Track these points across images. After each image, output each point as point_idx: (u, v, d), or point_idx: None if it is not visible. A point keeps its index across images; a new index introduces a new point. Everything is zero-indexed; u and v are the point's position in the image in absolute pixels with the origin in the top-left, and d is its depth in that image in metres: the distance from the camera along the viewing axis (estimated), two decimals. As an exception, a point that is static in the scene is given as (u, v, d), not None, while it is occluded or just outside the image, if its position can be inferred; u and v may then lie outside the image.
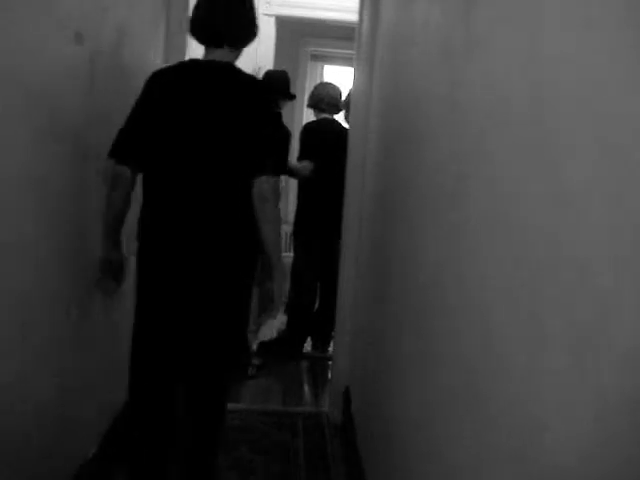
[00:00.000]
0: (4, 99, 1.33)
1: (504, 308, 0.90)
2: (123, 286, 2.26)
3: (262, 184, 1.88)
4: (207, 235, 1.95)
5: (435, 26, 1.50)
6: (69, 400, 1.87)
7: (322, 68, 6.68)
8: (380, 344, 1.99)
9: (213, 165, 1.91)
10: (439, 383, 1.22)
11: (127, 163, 1.92)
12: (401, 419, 1.57)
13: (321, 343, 3.93)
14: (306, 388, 3.49)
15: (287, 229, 4.42)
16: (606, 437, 0.63)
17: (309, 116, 4.54)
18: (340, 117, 3.91)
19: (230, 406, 2.38)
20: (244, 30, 2.00)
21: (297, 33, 5.60)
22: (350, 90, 3.45)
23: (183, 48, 2.75)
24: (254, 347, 3.74)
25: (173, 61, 2.68)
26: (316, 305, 3.97)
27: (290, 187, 4.74)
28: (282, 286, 2.05)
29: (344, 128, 3.62)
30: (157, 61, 2.66)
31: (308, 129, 3.80)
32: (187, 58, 2.71)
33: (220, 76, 1.95)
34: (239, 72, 1.98)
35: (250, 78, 2.01)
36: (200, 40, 2.01)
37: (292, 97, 3.68)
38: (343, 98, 3.83)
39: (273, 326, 4.29)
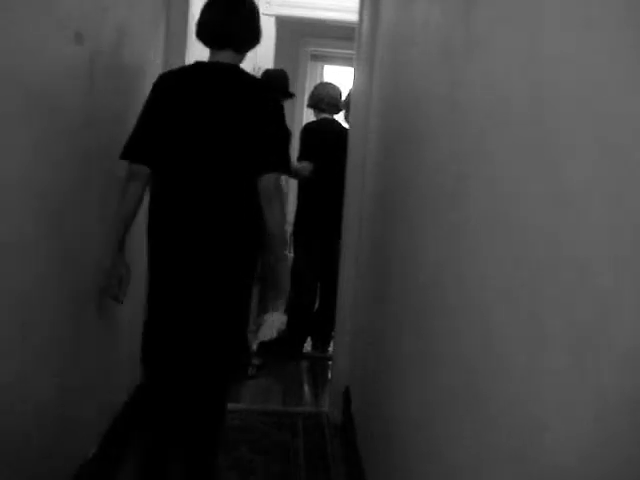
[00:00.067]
0: (4, 99, 1.33)
1: (504, 308, 0.90)
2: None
3: (267, 181, 1.95)
4: (212, 232, 2.00)
5: (435, 26, 1.50)
6: (69, 400, 1.87)
7: (322, 68, 6.68)
8: (380, 344, 1.99)
9: (219, 163, 1.97)
10: (439, 383, 1.22)
11: (142, 162, 1.98)
12: (401, 419, 1.57)
13: (321, 343, 3.93)
14: (306, 388, 3.49)
15: (287, 229, 4.42)
16: (606, 437, 0.63)
17: (309, 116, 4.54)
18: (340, 117, 3.91)
19: (230, 406, 2.38)
20: (248, 34, 2.06)
21: (297, 33, 5.60)
22: (350, 90, 3.45)
23: (183, 48, 2.75)
24: (254, 347, 3.74)
25: (173, 61, 2.69)
26: (316, 305, 3.97)
27: (290, 187, 4.74)
28: (287, 278, 2.14)
29: (344, 128, 3.62)
30: (157, 61, 2.66)
31: (308, 129, 3.80)
32: (187, 58, 2.73)
33: (225, 77, 2.00)
34: (244, 74, 2.05)
35: (254, 79, 2.08)
36: (205, 43, 2.07)
37: (291, 96, 3.68)
38: (343, 98, 3.83)
39: (273, 326, 4.29)
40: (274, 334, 4.20)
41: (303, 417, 2.97)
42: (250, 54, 2.20)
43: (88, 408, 2.05)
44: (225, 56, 2.03)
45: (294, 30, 5.29)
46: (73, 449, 1.93)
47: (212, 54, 2.06)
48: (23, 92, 1.41)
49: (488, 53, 1.07)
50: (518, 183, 0.88)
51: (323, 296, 3.93)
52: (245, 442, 2.61)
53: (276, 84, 3.56)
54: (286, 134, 2.12)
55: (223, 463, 2.38)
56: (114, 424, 2.32)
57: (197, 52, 2.40)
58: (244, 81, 2.03)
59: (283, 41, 4.63)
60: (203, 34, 2.07)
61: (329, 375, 3.39)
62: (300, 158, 3.71)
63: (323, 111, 3.79)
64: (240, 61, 2.09)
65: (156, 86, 2.03)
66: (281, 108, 2.09)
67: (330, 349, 3.69)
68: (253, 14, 2.08)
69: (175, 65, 2.67)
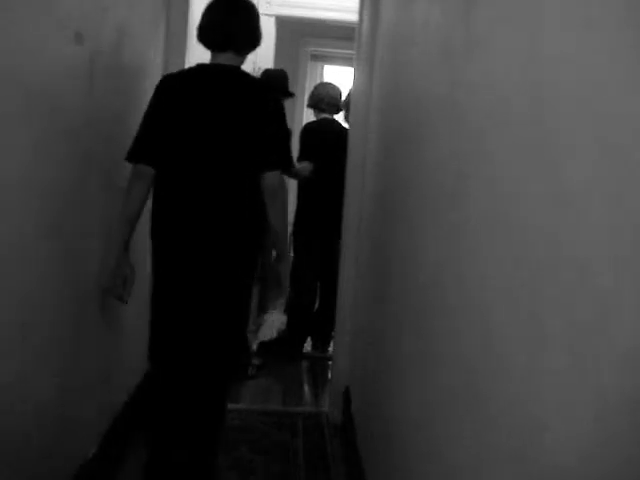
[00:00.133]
0: (4, 99, 1.33)
1: (504, 308, 0.90)
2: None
3: (271, 179, 2.01)
4: (215, 232, 2.03)
5: (435, 26, 1.50)
6: (69, 400, 1.87)
7: (322, 68, 6.68)
8: (380, 344, 1.99)
9: (223, 163, 2.01)
10: (439, 383, 1.22)
11: (146, 162, 2.02)
12: (401, 419, 1.57)
13: (321, 343, 3.93)
14: (306, 388, 3.49)
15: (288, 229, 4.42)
16: (606, 437, 0.63)
17: (309, 116, 4.54)
18: (340, 117, 3.91)
19: (230, 406, 2.39)
20: (248, 36, 2.10)
21: (297, 33, 5.60)
22: (350, 90, 3.45)
23: (183, 48, 2.75)
24: (254, 347, 3.74)
25: (173, 61, 2.70)
26: (316, 305, 3.97)
27: (290, 187, 4.74)
28: (287, 273, 2.19)
29: (344, 128, 3.62)
30: (157, 61, 2.66)
31: (308, 129, 3.80)
32: (187, 58, 2.73)
33: (227, 79, 2.04)
34: (245, 75, 2.10)
35: (255, 80, 2.14)
36: (207, 46, 2.11)
37: (291, 95, 3.68)
38: (343, 98, 3.83)
39: (273, 326, 4.29)
40: (274, 334, 4.21)
41: (303, 417, 2.97)
42: (250, 54, 2.22)
43: (88, 408, 2.06)
44: (226, 58, 2.07)
45: (294, 30, 5.29)
46: (73, 449, 1.93)
47: (213, 56, 2.10)
48: (23, 92, 1.41)
49: (488, 53, 1.07)
50: (518, 183, 0.88)
51: (323, 296, 3.93)
52: (245, 442, 2.61)
53: (276, 84, 3.56)
54: (287, 133, 2.16)
55: (223, 463, 2.38)
56: (114, 424, 2.32)
57: (198, 52, 2.40)
58: (245, 82, 2.07)
59: (283, 41, 4.63)
60: (204, 37, 2.11)
61: (329, 375, 3.39)
62: (300, 158, 3.71)
63: (323, 111, 3.79)
64: (241, 63, 2.13)
65: (159, 88, 2.06)
66: (282, 107, 2.13)
67: (330, 349, 3.69)
68: (253, 16, 2.12)
69: (175, 65, 2.68)
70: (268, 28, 4.18)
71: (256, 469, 2.41)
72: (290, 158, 2.16)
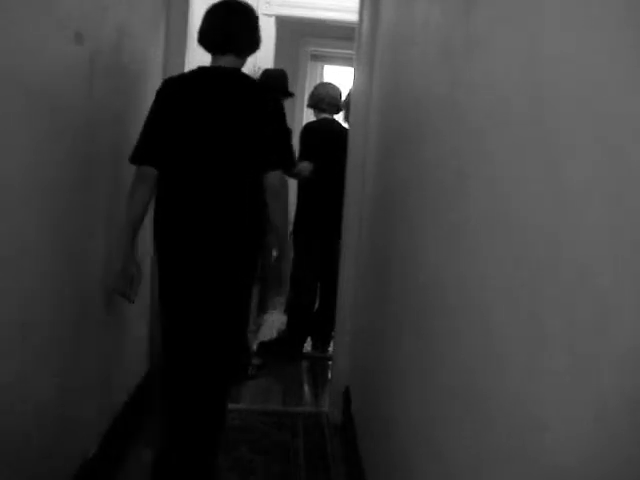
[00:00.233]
0: (4, 99, 1.33)
1: (504, 308, 0.90)
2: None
3: (273, 178, 2.04)
4: (217, 233, 2.06)
5: (435, 26, 1.50)
6: (69, 400, 1.87)
7: (322, 68, 6.68)
8: (380, 344, 1.99)
9: (225, 164, 2.04)
10: (439, 383, 1.22)
11: (149, 164, 2.05)
12: (401, 419, 1.57)
13: (321, 343, 3.92)
14: (306, 388, 3.49)
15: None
16: (606, 437, 0.63)
17: (309, 116, 4.54)
18: (340, 117, 3.91)
19: (230, 406, 2.39)
20: (248, 40, 2.14)
21: (297, 33, 5.60)
22: (350, 90, 3.45)
23: (183, 48, 2.75)
24: (254, 347, 3.74)
25: (173, 60, 2.70)
26: (316, 305, 3.97)
27: (290, 187, 4.74)
28: (288, 270, 2.23)
29: (344, 128, 3.62)
30: (157, 60, 2.66)
31: (308, 129, 3.80)
32: (187, 58, 2.73)
33: (228, 81, 2.07)
34: (245, 77, 2.13)
35: (255, 82, 2.18)
36: (208, 49, 2.14)
37: (290, 95, 3.68)
38: (343, 98, 3.83)
39: (273, 326, 4.29)
40: (274, 334, 4.22)
41: (303, 417, 2.97)
42: (250, 55, 2.23)
43: (88, 408, 2.06)
44: (227, 61, 2.10)
45: (294, 30, 5.29)
46: (73, 449, 1.93)
47: (214, 59, 2.13)
48: (23, 92, 1.41)
49: (488, 53, 1.07)
50: (518, 183, 0.88)
51: (323, 296, 3.93)
52: (245, 442, 2.61)
53: (275, 84, 3.56)
54: (288, 133, 2.19)
55: (223, 463, 2.38)
56: (114, 424, 2.32)
57: (198, 52, 2.40)
58: (245, 84, 2.10)
59: (283, 41, 4.63)
60: (205, 41, 2.14)
61: (329, 375, 3.39)
62: (300, 158, 3.71)
63: (323, 111, 3.79)
64: (241, 65, 2.16)
65: (160, 91, 2.10)
66: (282, 108, 2.15)
67: (330, 349, 3.69)
68: (252, 20, 2.15)
69: (175, 64, 2.69)
70: (268, 28, 4.18)
71: (256, 469, 2.41)
72: (292, 157, 2.19)
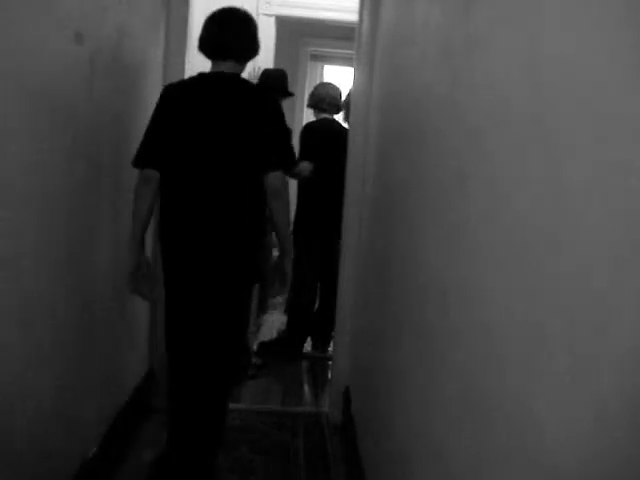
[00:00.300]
0: (4, 99, 1.33)
1: (504, 308, 0.90)
2: (118, 286, 2.29)
3: (274, 178, 2.08)
4: (219, 234, 2.10)
5: (435, 26, 1.50)
6: (69, 400, 1.87)
7: (322, 68, 6.69)
8: (380, 344, 1.99)
9: (226, 166, 2.08)
10: (439, 383, 1.22)
11: (152, 167, 2.09)
12: (401, 419, 1.57)
13: (321, 343, 3.92)
14: (306, 388, 3.49)
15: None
16: (606, 437, 0.63)
17: (309, 116, 4.54)
18: (339, 117, 3.91)
19: (230, 406, 2.39)
20: (246, 46, 2.19)
21: (297, 33, 5.60)
22: (350, 90, 3.44)
23: (183, 48, 2.75)
24: (254, 347, 3.74)
25: (173, 60, 2.70)
26: (316, 305, 3.97)
27: (290, 187, 4.74)
28: (290, 270, 2.26)
29: (344, 128, 3.62)
30: (157, 60, 2.66)
31: (308, 129, 3.80)
32: (187, 57, 2.73)
33: (227, 86, 2.12)
34: (244, 82, 2.19)
35: (255, 87, 2.25)
36: (208, 56, 2.19)
37: (290, 95, 3.69)
38: (343, 98, 3.83)
39: (273, 326, 4.30)
40: (274, 334, 4.22)
41: (303, 417, 2.97)
42: (250, 55, 2.25)
43: (88, 408, 2.06)
44: (227, 66, 2.15)
45: (294, 30, 5.29)
46: (73, 449, 1.93)
47: (214, 65, 2.18)
48: (23, 92, 1.41)
49: (488, 53, 1.07)
50: (518, 183, 0.88)
51: (323, 296, 3.93)
52: (245, 442, 2.61)
53: (275, 84, 3.56)
54: (288, 134, 2.21)
55: (223, 463, 2.38)
56: (114, 424, 2.32)
57: (198, 52, 2.40)
58: (245, 89, 2.16)
59: (283, 41, 4.63)
60: (205, 48, 2.19)
61: (329, 375, 3.39)
62: (300, 158, 3.70)
63: (324, 111, 3.79)
64: (241, 70, 2.21)
65: (162, 97, 2.14)
66: (281, 110, 2.18)
67: (330, 349, 3.69)
68: (251, 28, 2.20)
69: (175, 64, 2.70)
70: (268, 28, 4.18)
71: (256, 469, 2.41)
72: (293, 158, 2.22)
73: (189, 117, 2.08)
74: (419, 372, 1.41)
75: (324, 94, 3.79)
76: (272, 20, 4.23)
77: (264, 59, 4.08)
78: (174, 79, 2.66)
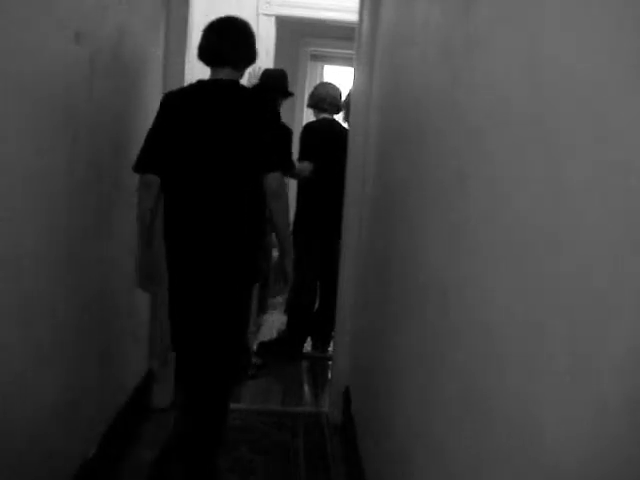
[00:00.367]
0: (4, 99, 1.33)
1: (504, 308, 0.90)
2: (118, 286, 2.29)
3: (272, 179, 2.11)
4: (219, 236, 2.15)
5: (435, 26, 1.50)
6: (69, 400, 1.87)
7: (322, 68, 6.69)
8: (380, 344, 1.99)
9: (225, 170, 2.13)
10: (439, 383, 1.22)
11: (154, 172, 2.14)
12: (401, 419, 1.57)
13: (321, 343, 3.92)
14: (306, 388, 3.49)
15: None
16: (606, 437, 0.63)
17: (309, 116, 4.54)
18: (339, 117, 3.91)
19: (230, 406, 2.39)
20: (243, 54, 2.25)
21: (297, 33, 5.60)
22: (350, 90, 3.44)
23: (183, 48, 2.75)
24: (254, 347, 3.74)
25: (173, 60, 2.71)
26: (316, 305, 3.97)
27: (290, 187, 4.74)
28: (291, 269, 2.30)
29: (344, 128, 3.62)
30: (157, 60, 2.66)
31: (308, 129, 3.80)
32: (187, 57, 2.73)
33: (226, 93, 2.18)
34: (243, 89, 2.26)
35: (252, 93, 2.32)
36: (207, 63, 2.24)
37: (290, 95, 3.69)
38: (343, 98, 3.83)
39: (273, 326, 4.29)
40: (274, 334, 4.22)
41: (303, 417, 2.97)
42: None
43: (88, 408, 2.06)
44: (225, 73, 2.21)
45: (294, 30, 5.29)
46: (73, 449, 1.93)
47: (213, 72, 2.23)
48: (23, 92, 1.41)
49: (488, 53, 1.07)
50: (518, 183, 0.88)
51: (323, 296, 3.92)
52: (245, 442, 2.61)
53: (275, 84, 3.56)
54: (285, 137, 2.26)
55: (223, 464, 2.38)
56: (114, 424, 2.32)
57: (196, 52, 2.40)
58: (243, 95, 2.22)
59: (283, 41, 4.62)
60: (204, 56, 2.25)
61: (329, 375, 3.39)
62: (300, 158, 3.71)
63: (324, 111, 3.79)
64: (240, 77, 2.27)
65: (163, 104, 2.20)
66: (278, 114, 2.26)
67: (330, 349, 3.69)
68: (248, 36, 2.26)
69: (175, 64, 2.70)
70: (268, 28, 4.17)
71: (256, 469, 2.41)
72: (290, 160, 2.26)
73: (189, 123, 2.14)
74: (419, 372, 1.41)
75: (324, 94, 3.79)
76: (272, 20, 4.22)
77: (264, 59, 4.08)
78: (174, 79, 2.67)
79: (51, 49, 1.55)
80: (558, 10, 0.81)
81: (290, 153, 2.28)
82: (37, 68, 1.47)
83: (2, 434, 1.46)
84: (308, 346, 3.95)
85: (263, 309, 4.43)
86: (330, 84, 3.93)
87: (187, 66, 2.75)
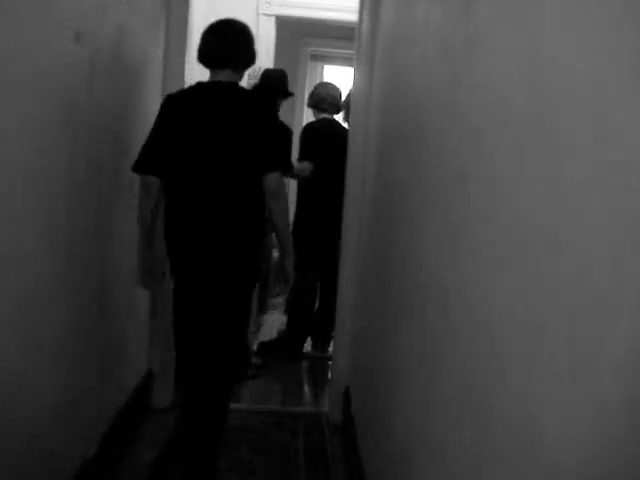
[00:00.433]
0: (3, 99, 1.33)
1: (504, 308, 0.90)
2: (118, 286, 2.29)
3: (271, 179, 2.13)
4: (220, 236, 2.16)
5: (435, 26, 1.50)
6: (69, 400, 1.87)
7: (322, 68, 6.68)
8: (380, 344, 1.99)
9: (226, 171, 2.15)
10: (439, 383, 1.22)
11: (153, 173, 2.17)
12: (401, 419, 1.57)
13: (321, 343, 3.92)
14: (306, 388, 3.49)
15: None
16: (606, 437, 0.63)
17: (309, 116, 4.54)
18: (339, 117, 3.91)
19: (230, 406, 2.39)
20: (242, 56, 2.27)
21: (297, 33, 5.59)
22: (350, 90, 3.44)
23: (183, 48, 2.75)
24: (254, 347, 3.74)
25: (173, 60, 2.71)
26: (316, 305, 3.97)
27: (290, 187, 4.74)
28: (292, 268, 2.31)
29: (344, 128, 3.62)
30: (157, 60, 2.66)
31: (308, 129, 3.80)
32: (187, 57, 2.73)
33: (226, 95, 2.20)
34: (242, 91, 2.28)
35: (251, 94, 2.35)
36: (206, 65, 2.27)
37: (290, 95, 3.69)
38: (343, 98, 3.83)
39: (273, 326, 4.29)
40: (274, 334, 4.22)
41: (303, 417, 2.97)
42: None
43: (88, 408, 2.06)
44: (225, 75, 2.22)
45: (294, 30, 5.28)
46: (73, 449, 1.93)
47: (213, 74, 2.25)
48: (23, 92, 1.41)
49: (488, 53, 1.07)
50: (518, 183, 0.88)
51: (323, 296, 3.92)
52: (245, 442, 2.61)
53: (275, 84, 3.56)
54: (285, 137, 2.27)
55: (223, 464, 2.38)
56: (114, 424, 2.32)
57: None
58: (242, 97, 2.24)
59: (283, 41, 4.62)
60: (203, 58, 2.27)
61: (329, 375, 3.39)
62: (300, 158, 3.71)
63: (324, 111, 3.79)
64: (239, 79, 2.29)
65: (163, 106, 2.22)
66: (276, 115, 2.30)
67: (330, 349, 3.69)
68: (247, 39, 2.28)
69: (175, 64, 2.70)
70: (268, 28, 4.17)
71: (256, 469, 2.41)
72: (288, 160, 2.32)
73: (189, 125, 2.16)
74: (419, 372, 1.41)
75: (324, 94, 3.79)
76: (272, 20, 4.22)
77: (264, 59, 4.08)
78: (174, 79, 2.67)
79: (51, 49, 1.55)
80: (558, 10, 0.81)
81: (289, 153, 2.30)
82: (37, 68, 1.47)
83: (2, 434, 1.46)
84: (308, 346, 3.94)
85: (263, 309, 4.43)
86: (330, 84, 3.93)
87: (187, 66, 2.75)
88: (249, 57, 2.29)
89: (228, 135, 2.14)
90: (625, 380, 0.60)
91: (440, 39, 1.44)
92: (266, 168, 2.12)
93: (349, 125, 3.18)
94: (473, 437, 0.99)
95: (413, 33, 1.80)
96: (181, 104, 2.20)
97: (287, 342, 3.85)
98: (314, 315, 3.93)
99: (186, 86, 2.53)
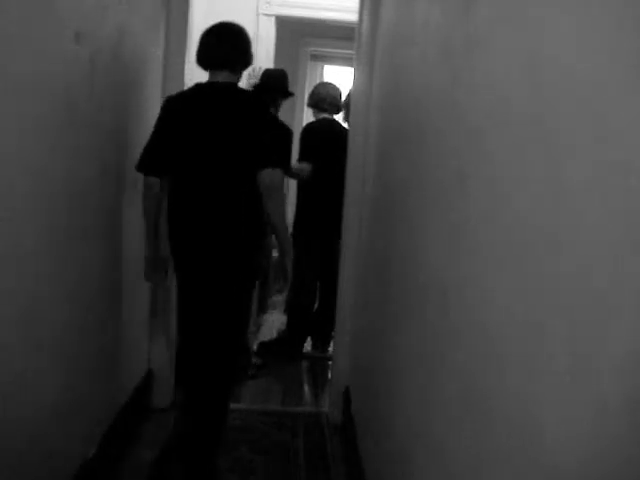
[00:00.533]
0: (3, 100, 1.33)
1: (504, 308, 0.90)
2: (118, 286, 2.29)
3: (267, 175, 2.14)
4: (219, 235, 2.19)
5: (435, 26, 1.50)
6: (69, 400, 1.87)
7: (322, 68, 6.68)
8: (380, 344, 1.99)
9: (225, 171, 2.17)
10: (439, 383, 1.22)
11: (155, 174, 2.22)
12: (401, 419, 1.57)
13: (321, 343, 3.92)
14: (306, 388, 3.49)
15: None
16: (606, 437, 0.63)
17: (309, 116, 4.54)
18: (339, 117, 3.91)
19: (230, 406, 2.39)
20: (239, 58, 2.31)
21: (297, 33, 5.59)
22: (350, 90, 3.44)
23: (183, 48, 2.75)
24: (254, 347, 3.74)
25: (173, 60, 2.71)
26: (316, 305, 3.97)
27: (290, 187, 4.75)
28: (291, 267, 2.33)
29: (344, 128, 3.62)
30: (157, 60, 2.66)
31: (308, 129, 3.80)
32: (187, 57, 2.74)
33: (225, 96, 2.23)
34: (241, 91, 2.31)
35: (249, 95, 2.39)
36: (205, 66, 2.30)
37: (290, 95, 3.69)
38: (343, 98, 3.83)
39: (273, 326, 4.29)
40: (274, 334, 4.22)
41: (303, 417, 2.97)
42: (250, 55, 2.33)
43: (88, 408, 2.05)
44: (223, 76, 2.26)
45: (294, 30, 5.28)
46: (73, 449, 1.93)
47: (212, 75, 2.28)
48: (23, 92, 1.41)
49: (488, 53, 1.07)
50: (518, 183, 0.88)
51: (323, 296, 3.92)
52: (245, 442, 2.61)
53: (276, 84, 3.56)
54: (284, 137, 2.33)
55: (223, 464, 2.38)
56: (114, 424, 2.32)
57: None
58: (241, 98, 2.27)
59: (283, 41, 4.61)
60: (202, 60, 2.30)
61: (329, 375, 3.39)
62: (300, 158, 3.71)
63: (324, 111, 3.79)
64: (237, 80, 2.32)
65: (163, 108, 2.26)
66: (274, 117, 2.33)
67: (330, 349, 3.68)
68: (244, 41, 2.32)
69: (175, 64, 2.71)
70: (268, 28, 4.17)
71: (256, 469, 2.41)
72: (286, 158, 2.34)
73: (189, 125, 2.18)
74: (419, 372, 1.41)
75: (324, 94, 3.79)
76: (272, 20, 4.22)
77: (264, 59, 4.08)
78: (174, 79, 2.67)
79: (51, 49, 1.55)
80: (558, 10, 0.81)
81: (288, 152, 2.32)
82: (37, 68, 1.47)
83: (2, 434, 1.46)
84: (308, 346, 3.95)
85: (263, 309, 4.43)
86: (330, 84, 3.93)
87: (187, 66, 2.75)
88: (247, 59, 2.33)
89: (228, 135, 2.16)
90: (625, 380, 0.60)
91: (440, 39, 1.44)
92: (260, 164, 2.14)
93: (349, 125, 3.18)
94: (473, 437, 0.99)
95: (413, 33, 1.80)
96: (181, 106, 2.23)
97: (287, 342, 3.85)
98: (314, 315, 3.93)
99: (186, 86, 2.54)
